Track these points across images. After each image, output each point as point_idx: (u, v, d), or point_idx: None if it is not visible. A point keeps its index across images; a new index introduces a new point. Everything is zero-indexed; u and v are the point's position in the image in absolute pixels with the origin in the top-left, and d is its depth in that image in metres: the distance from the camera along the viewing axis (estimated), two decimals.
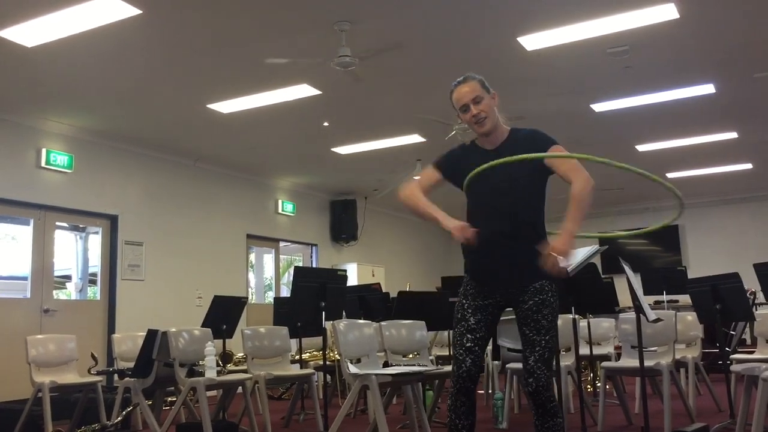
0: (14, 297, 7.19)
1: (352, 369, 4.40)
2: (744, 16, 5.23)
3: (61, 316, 7.16)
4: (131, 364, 5.37)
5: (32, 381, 5.31)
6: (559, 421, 2.77)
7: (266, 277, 11.63)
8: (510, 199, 2.80)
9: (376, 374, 4.21)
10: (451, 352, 2.83)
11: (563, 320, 4.40)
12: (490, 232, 2.77)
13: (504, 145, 2.88)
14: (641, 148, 8.96)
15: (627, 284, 3.84)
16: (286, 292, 10.47)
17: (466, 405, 2.81)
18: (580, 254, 3.60)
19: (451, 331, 6.92)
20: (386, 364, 4.85)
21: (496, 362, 5.54)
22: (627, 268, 3.85)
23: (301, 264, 11.44)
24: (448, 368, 5.00)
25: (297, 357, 6.47)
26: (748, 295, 5.28)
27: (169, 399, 6.37)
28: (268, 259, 11.05)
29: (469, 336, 2.83)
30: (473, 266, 2.92)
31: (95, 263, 7.91)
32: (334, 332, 4.61)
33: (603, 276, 4.67)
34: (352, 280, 10.15)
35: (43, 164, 7.08)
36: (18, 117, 6.86)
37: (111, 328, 7.54)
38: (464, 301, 2.89)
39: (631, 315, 4.48)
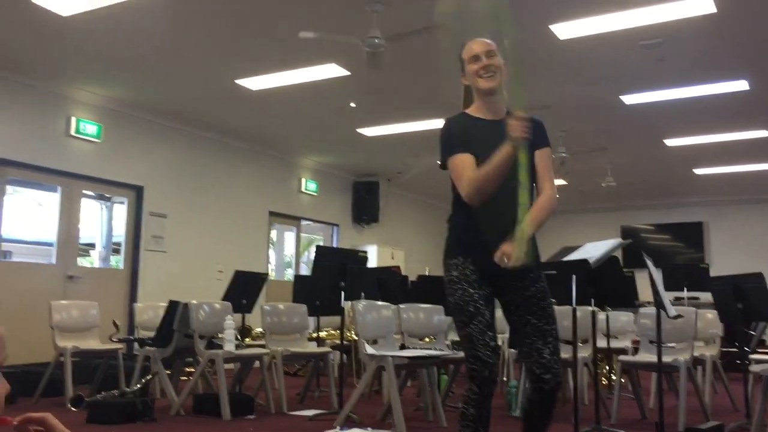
0: (40, 262, 7.31)
1: (369, 350, 4.43)
2: None
3: (85, 283, 7.25)
4: (152, 333, 5.46)
5: (55, 345, 5.41)
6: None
7: (286, 254, 11.70)
8: (514, 183, 2.50)
9: (393, 356, 4.24)
10: (468, 351, 2.51)
11: (582, 312, 4.40)
12: (500, 211, 2.53)
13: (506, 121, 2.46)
14: (670, 142, 8.85)
15: (648, 279, 3.82)
16: (305, 271, 10.54)
17: (489, 411, 2.52)
18: (603, 247, 3.58)
19: None
20: (403, 347, 4.88)
21: (513, 350, 5.55)
22: (650, 263, 3.82)
23: (321, 243, 11.49)
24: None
25: (314, 335, 6.53)
26: None
27: (187, 369, 6.46)
28: (289, 237, 11.11)
29: (490, 333, 2.49)
30: (482, 247, 2.52)
31: (118, 233, 8.01)
32: (353, 312, 4.65)
33: (624, 270, 4.64)
34: (372, 262, 10.19)
35: (72, 133, 7.15)
36: (50, 85, 6.94)
37: (133, 297, 7.65)
38: (472, 291, 2.53)
39: (652, 310, 4.46)
